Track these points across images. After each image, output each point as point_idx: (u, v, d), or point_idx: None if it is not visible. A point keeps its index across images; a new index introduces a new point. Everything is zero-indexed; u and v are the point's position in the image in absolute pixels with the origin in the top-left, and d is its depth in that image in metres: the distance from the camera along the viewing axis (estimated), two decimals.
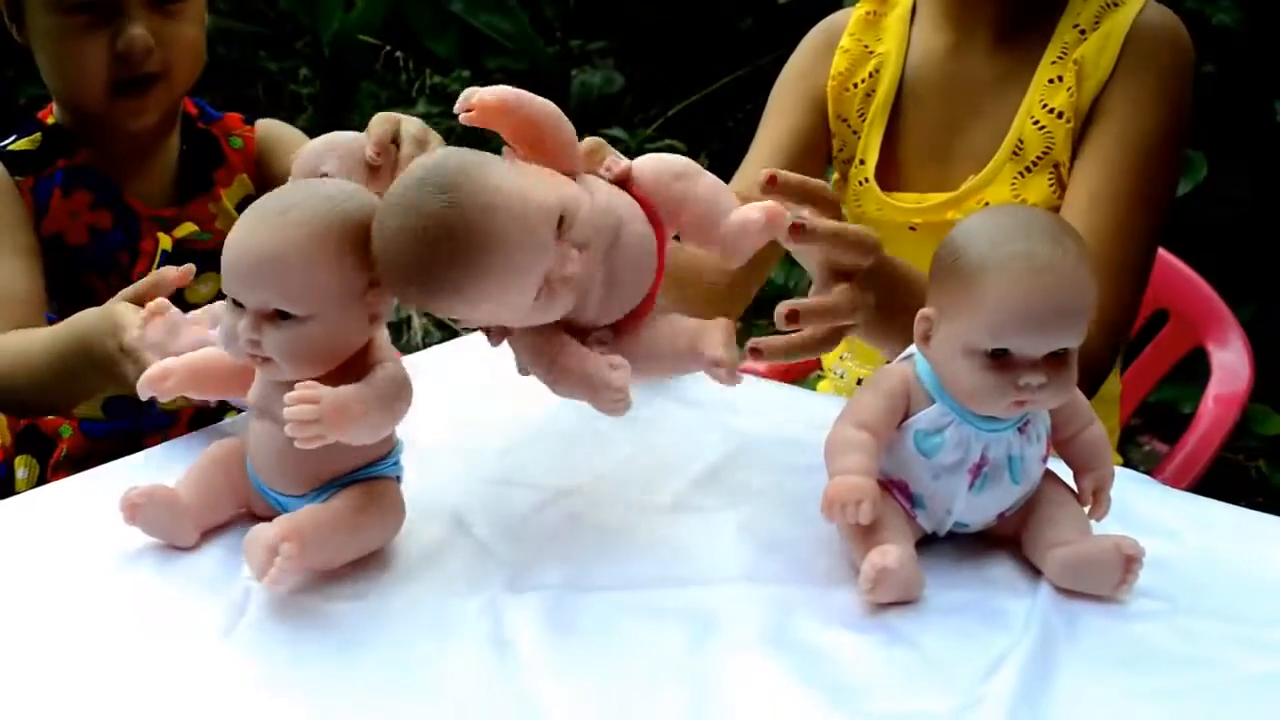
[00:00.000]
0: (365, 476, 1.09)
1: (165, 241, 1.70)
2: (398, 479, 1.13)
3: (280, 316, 1.03)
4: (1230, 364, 1.88)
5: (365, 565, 1.08)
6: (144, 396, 1.12)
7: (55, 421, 1.66)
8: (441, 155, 1.03)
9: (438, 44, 4.67)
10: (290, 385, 1.02)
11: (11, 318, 1.62)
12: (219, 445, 1.14)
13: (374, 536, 1.10)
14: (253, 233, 1.04)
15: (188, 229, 1.72)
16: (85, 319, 1.43)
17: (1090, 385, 1.46)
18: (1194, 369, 1.95)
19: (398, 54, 4.52)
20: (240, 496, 1.13)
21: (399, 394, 1.07)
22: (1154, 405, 2.76)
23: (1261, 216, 3.18)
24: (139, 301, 1.40)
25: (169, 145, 1.76)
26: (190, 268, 1.42)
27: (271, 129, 1.85)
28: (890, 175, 1.64)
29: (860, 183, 1.64)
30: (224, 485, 1.13)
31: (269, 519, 1.06)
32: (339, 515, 1.06)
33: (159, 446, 1.33)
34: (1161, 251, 1.95)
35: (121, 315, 1.37)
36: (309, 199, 1.04)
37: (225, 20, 4.66)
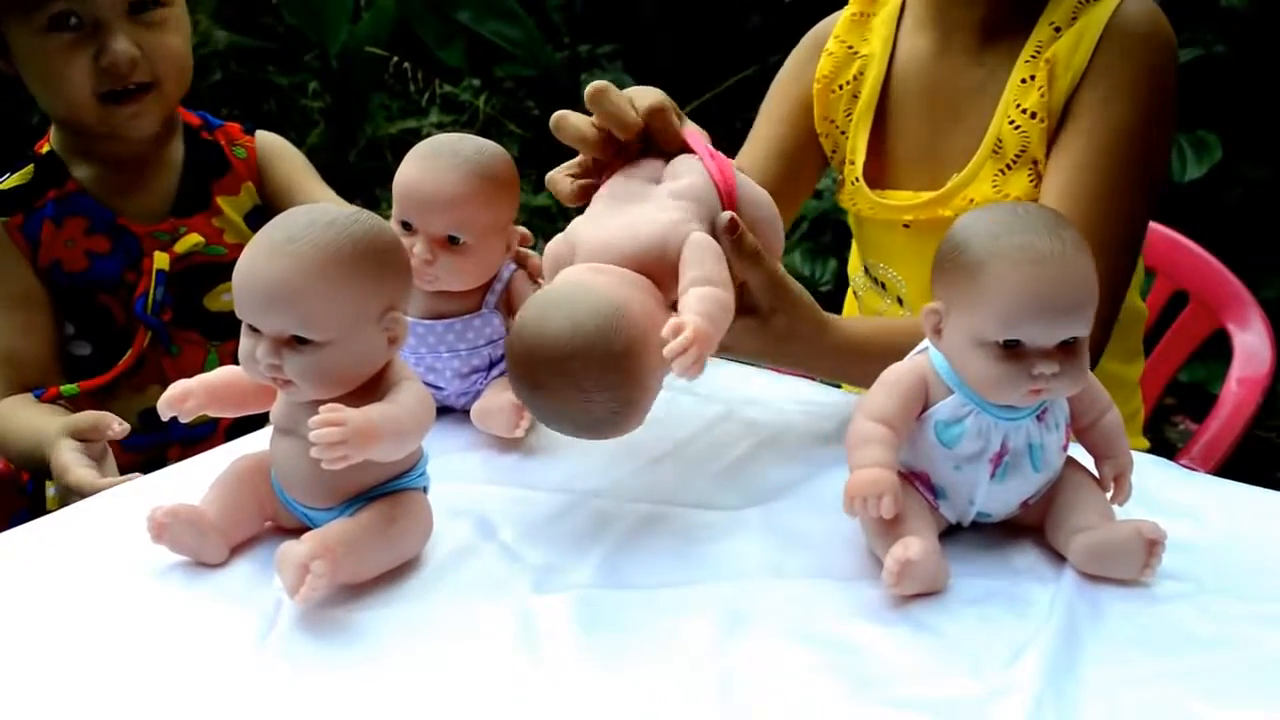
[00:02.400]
0: (393, 489, 1.10)
1: (161, 260, 1.71)
2: (425, 490, 1.13)
3: (298, 341, 1.04)
4: (1252, 346, 1.88)
5: (394, 572, 1.09)
6: (164, 417, 1.13)
7: None
8: None
9: (446, 53, 4.68)
10: (313, 404, 1.03)
11: (6, 378, 1.66)
12: (243, 459, 1.15)
13: (404, 548, 1.10)
14: (262, 262, 1.03)
15: (192, 241, 1.73)
16: (47, 436, 1.50)
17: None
18: (1223, 349, 1.95)
19: (405, 65, 4.53)
20: (267, 510, 1.14)
21: (422, 410, 1.08)
22: (1186, 386, 2.76)
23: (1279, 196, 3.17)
24: (80, 437, 1.45)
25: (168, 160, 1.78)
26: (126, 426, 1.47)
27: (270, 140, 1.88)
28: (880, 175, 1.64)
29: (853, 182, 1.65)
30: (250, 500, 1.13)
31: (296, 532, 1.07)
32: (369, 529, 1.07)
33: (187, 461, 1.34)
34: (1178, 235, 1.96)
35: (59, 458, 1.44)
36: (312, 225, 1.04)
37: (233, 36, 4.67)
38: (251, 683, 0.95)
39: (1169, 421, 3.06)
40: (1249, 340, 1.89)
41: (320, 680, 0.96)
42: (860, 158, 1.63)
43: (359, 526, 1.07)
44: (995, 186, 1.51)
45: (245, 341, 1.06)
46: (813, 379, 1.46)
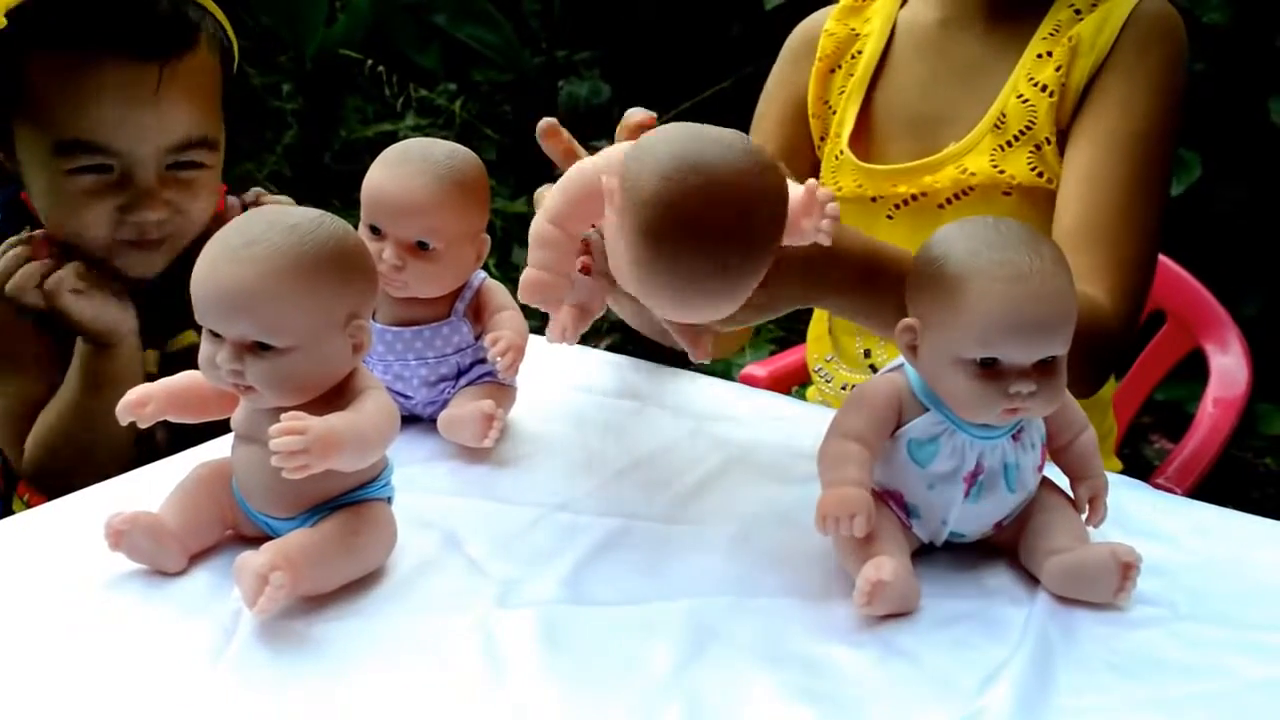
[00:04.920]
0: (356, 499, 1.08)
1: (149, 362, 1.64)
2: (389, 500, 1.12)
3: (260, 348, 1.02)
4: (1228, 368, 1.88)
5: (356, 584, 1.07)
6: (123, 422, 1.10)
7: None
8: None
9: (422, 57, 4.66)
10: (274, 411, 1.01)
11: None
12: (204, 466, 1.13)
13: (366, 560, 1.08)
14: (222, 266, 1.01)
15: (189, 339, 1.67)
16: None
17: (1108, 367, 1.48)
18: (1200, 368, 1.94)
19: (380, 68, 4.50)
20: (227, 519, 1.12)
21: (386, 420, 1.06)
22: (1162, 404, 2.76)
23: (1259, 214, 3.17)
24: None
25: None
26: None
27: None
28: (869, 147, 1.63)
29: (836, 156, 1.64)
30: (210, 508, 1.11)
31: (257, 541, 1.05)
32: (330, 539, 1.05)
33: (143, 469, 1.31)
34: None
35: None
36: (271, 230, 1.02)
37: None
38: (208, 695, 0.93)
39: (1146, 440, 3.06)
40: (1226, 361, 1.89)
41: (279, 694, 0.94)
42: (847, 129, 1.63)
43: (321, 537, 1.05)
44: (993, 161, 1.51)
45: (206, 346, 1.04)
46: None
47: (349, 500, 1.08)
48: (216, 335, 1.03)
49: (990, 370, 1.02)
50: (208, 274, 1.02)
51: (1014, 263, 1.01)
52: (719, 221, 0.95)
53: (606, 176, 1.02)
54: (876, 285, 1.17)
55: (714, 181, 0.94)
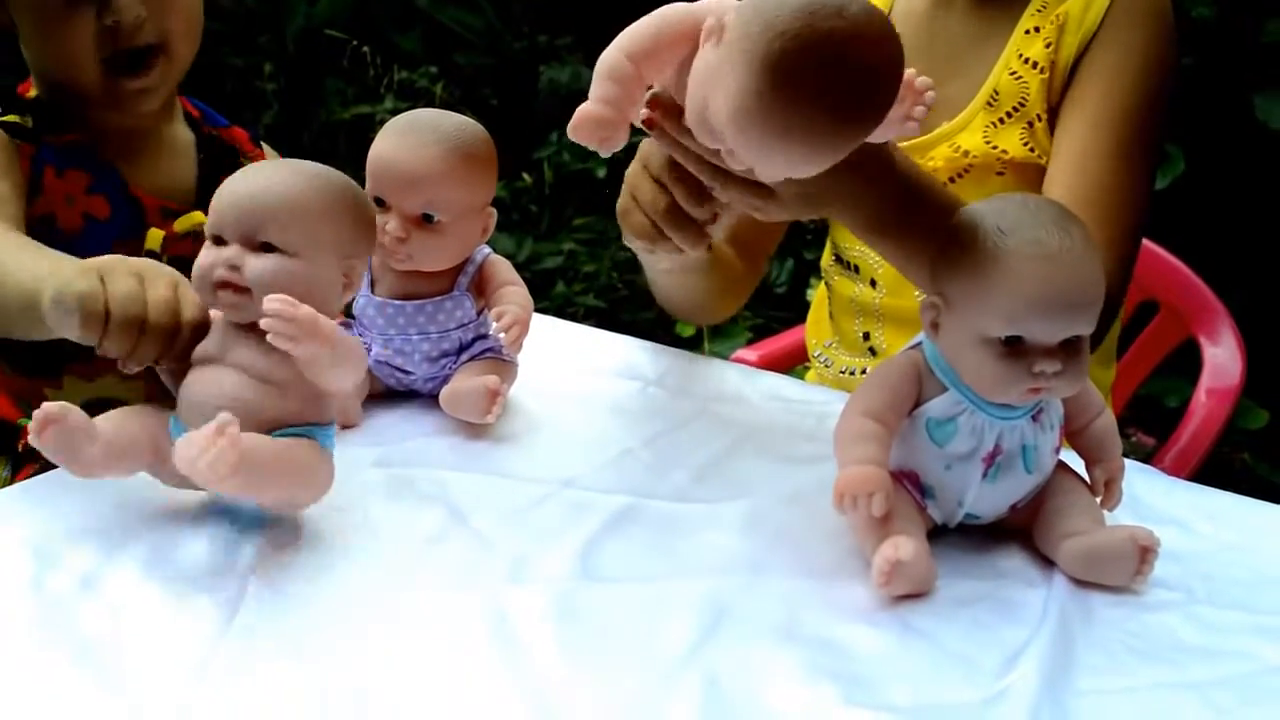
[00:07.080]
0: (306, 433, 1.08)
1: (153, 240, 1.61)
2: (330, 452, 1.11)
3: (266, 249, 1.05)
4: (1222, 358, 1.87)
5: (364, 557, 1.06)
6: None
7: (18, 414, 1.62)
8: None
9: (404, 39, 4.63)
10: (250, 327, 1.04)
11: None
12: (143, 406, 1.12)
13: (303, 482, 1.08)
14: (262, 172, 1.09)
15: (195, 219, 1.63)
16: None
17: (1096, 337, 1.46)
18: (1178, 362, 1.93)
19: (364, 49, 4.47)
20: (149, 455, 1.09)
21: (359, 349, 1.10)
22: (1140, 397, 2.76)
23: (1241, 211, 3.17)
24: None
25: (171, 136, 1.67)
26: None
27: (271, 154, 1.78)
28: None
29: None
30: (141, 435, 1.09)
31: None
32: (278, 446, 1.04)
33: None
34: (1151, 243, 1.94)
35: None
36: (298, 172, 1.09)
37: None
38: (214, 669, 0.92)
39: (1122, 434, 3.06)
40: (1219, 353, 1.88)
41: (287, 665, 0.92)
42: None
43: (270, 440, 1.04)
44: (986, 138, 1.50)
45: (205, 255, 1.07)
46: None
47: (298, 432, 1.07)
48: (220, 244, 1.06)
49: (1015, 349, 1.01)
50: (243, 177, 1.09)
51: (1045, 242, 1.00)
52: (853, 65, 0.95)
53: (713, 17, 1.00)
54: (921, 206, 1.18)
55: (856, 28, 0.95)
